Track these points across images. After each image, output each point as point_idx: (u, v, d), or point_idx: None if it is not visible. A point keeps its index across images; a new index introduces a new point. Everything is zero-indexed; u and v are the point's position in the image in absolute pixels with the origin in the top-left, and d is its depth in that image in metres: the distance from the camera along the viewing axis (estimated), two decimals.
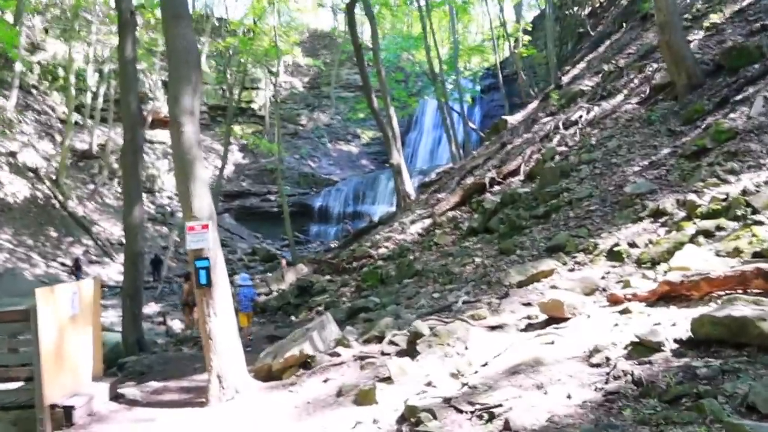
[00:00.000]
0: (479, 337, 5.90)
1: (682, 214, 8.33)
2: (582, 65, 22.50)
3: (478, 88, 46.49)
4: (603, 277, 7.51)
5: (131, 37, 13.23)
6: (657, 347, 4.35)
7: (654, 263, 7.28)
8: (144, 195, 37.43)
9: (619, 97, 14.61)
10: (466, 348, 5.74)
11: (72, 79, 33.55)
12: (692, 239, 7.27)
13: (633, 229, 8.70)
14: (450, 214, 14.23)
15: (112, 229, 31.92)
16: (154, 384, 7.84)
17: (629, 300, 5.97)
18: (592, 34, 36.28)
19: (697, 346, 4.27)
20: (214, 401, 6.46)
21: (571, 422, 3.64)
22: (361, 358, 6.65)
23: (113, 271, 28.29)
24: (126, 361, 10.38)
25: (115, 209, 33.81)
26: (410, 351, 6.27)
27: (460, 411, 4.10)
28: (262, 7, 34.16)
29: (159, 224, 36.62)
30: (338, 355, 6.99)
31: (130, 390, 7.48)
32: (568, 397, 3.97)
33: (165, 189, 40.06)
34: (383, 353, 6.68)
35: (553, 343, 5.10)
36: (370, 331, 7.56)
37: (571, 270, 8.35)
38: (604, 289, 6.98)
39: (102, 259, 30.22)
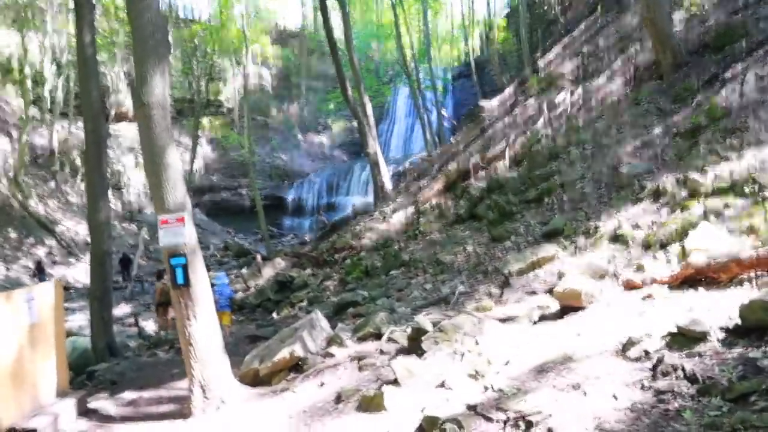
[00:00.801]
0: (490, 332, 5.39)
1: (684, 193, 7.94)
2: (557, 50, 22.12)
3: (449, 76, 46.06)
4: (609, 262, 7.08)
5: (89, 19, 12.32)
6: (701, 337, 3.88)
7: (663, 245, 6.86)
8: (110, 192, 36.16)
9: (602, 79, 14.24)
10: (477, 344, 5.22)
11: (27, 70, 32.05)
12: (701, 219, 6.87)
13: (633, 210, 8.30)
14: (434, 201, 13.72)
15: (77, 228, 30.67)
16: (129, 395, 7.14)
17: (648, 285, 5.53)
18: (562, 21, 36.24)
19: (748, 334, 3.82)
20: (197, 413, 5.82)
21: (625, 429, 3.14)
22: (359, 358, 6.08)
23: (80, 272, 27.11)
24: (96, 369, 9.63)
25: (79, 207, 32.53)
26: (414, 349, 5.73)
27: (490, 419, 3.57)
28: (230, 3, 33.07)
29: (127, 222, 35.45)
30: (332, 355, 6.41)
31: (101, 403, 6.78)
32: (614, 398, 3.48)
33: (132, 185, 38.79)
34: (382, 352, 6.13)
35: (579, 335, 4.61)
36: (364, 328, 7.00)
37: (573, 255, 7.90)
38: (614, 275, 6.54)
39: (67, 260, 29.04)
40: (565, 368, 4.07)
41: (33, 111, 35.64)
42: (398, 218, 14.21)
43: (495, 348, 4.83)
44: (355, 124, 50.30)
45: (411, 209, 14.31)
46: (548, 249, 8.06)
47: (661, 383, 3.46)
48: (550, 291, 6.78)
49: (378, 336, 6.71)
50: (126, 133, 41.72)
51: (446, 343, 5.48)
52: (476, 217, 11.74)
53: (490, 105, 22.71)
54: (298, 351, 6.38)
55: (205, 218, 41.03)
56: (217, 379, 5.95)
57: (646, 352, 3.95)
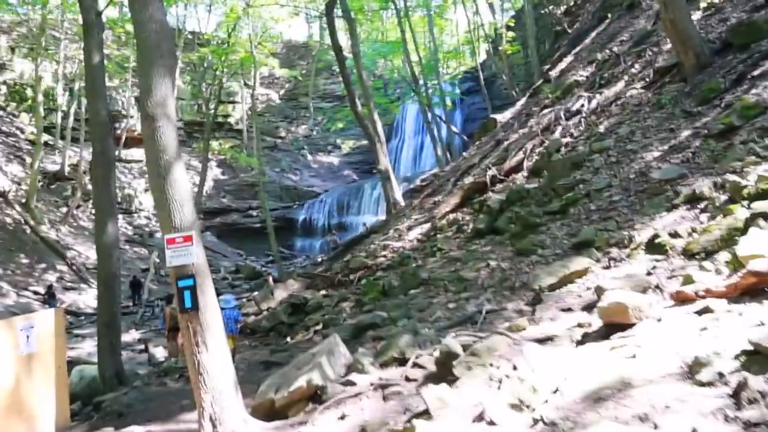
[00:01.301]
0: (529, 354, 4.87)
1: (724, 197, 7.42)
2: (569, 59, 21.76)
3: (457, 91, 45.73)
4: (649, 273, 6.55)
5: (97, 39, 12.09)
6: None
7: (709, 253, 6.34)
8: (121, 216, 36.09)
9: (621, 84, 13.79)
10: (515, 368, 4.70)
11: (40, 97, 32.08)
12: (749, 223, 6.34)
13: (669, 217, 7.78)
14: (450, 216, 13.24)
15: (88, 253, 30.38)
16: (136, 429, 6.66)
17: (702, 297, 5.00)
18: (569, 31, 35.96)
19: None
20: None
21: None
22: (383, 386, 5.57)
23: (91, 298, 26.70)
24: (103, 400, 9.15)
25: (90, 232, 32.28)
26: (443, 375, 5.21)
27: None
28: (236, 16, 33.03)
29: (138, 246, 35.17)
30: (353, 383, 5.91)
31: None
32: None
33: (143, 209, 38.60)
34: (408, 379, 5.62)
35: (634, 356, 4.09)
36: (386, 352, 6.49)
37: (607, 267, 7.39)
38: (657, 287, 6.01)
39: (79, 285, 28.74)
40: (624, 396, 3.55)
41: (46, 137, 35.70)
42: (414, 235, 13.73)
43: (538, 373, 4.32)
44: (364, 142, 50.18)
45: (427, 225, 13.84)
46: (580, 261, 7.54)
47: (750, 413, 2.94)
48: (588, 307, 6.27)
49: (402, 361, 6.20)
50: (138, 157, 41.69)
51: (480, 368, 4.97)
52: (497, 231, 11.24)
53: (503, 117, 22.33)
54: (317, 379, 5.88)
55: (215, 240, 40.71)
56: (229, 412, 5.46)
57: (720, 375, 3.43)
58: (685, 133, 9.84)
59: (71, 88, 36.62)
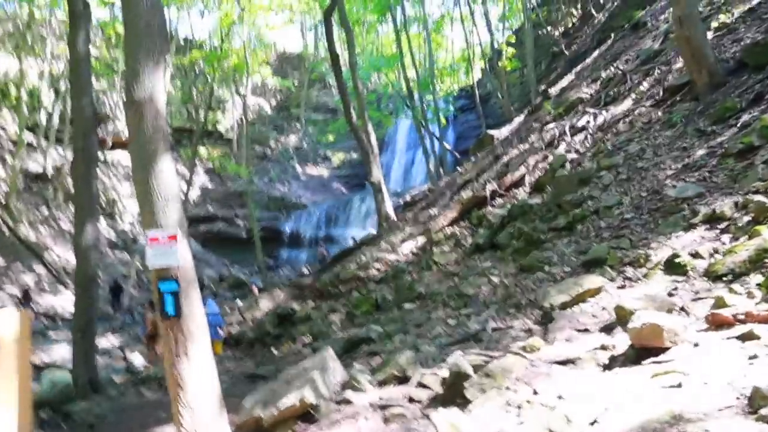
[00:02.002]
0: (551, 378, 4.36)
1: (747, 218, 6.99)
2: (570, 77, 21.52)
3: (451, 108, 45.50)
4: (671, 294, 6.09)
5: (84, 31, 11.56)
6: None
7: (737, 275, 5.89)
8: (104, 219, 35.24)
9: (628, 102, 13.45)
10: (536, 393, 4.19)
11: (23, 95, 31.31)
12: None
13: (687, 237, 7.34)
14: (448, 230, 12.76)
15: (68, 256, 29.47)
16: None
17: (742, 321, 4.53)
18: (567, 53, 35.93)
19: None
20: None
21: None
22: (383, 407, 5.03)
23: (68, 301, 25.80)
24: (74, 410, 8.51)
25: (71, 235, 31.39)
26: (452, 397, 4.69)
27: None
28: (231, 21, 32.58)
29: (120, 250, 34.30)
30: (349, 402, 5.36)
31: None
32: None
33: (126, 213, 37.76)
34: (412, 400, 5.08)
35: (679, 386, 3.59)
36: (384, 369, 5.95)
37: (622, 287, 6.91)
38: (683, 309, 5.54)
39: (56, 288, 27.86)
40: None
41: (29, 137, 34.87)
42: (409, 248, 13.22)
43: (567, 400, 3.80)
44: (354, 156, 49.81)
45: (422, 239, 13.34)
46: (592, 280, 7.06)
47: None
48: (607, 328, 5.78)
49: (403, 380, 5.66)
50: (122, 160, 40.92)
51: (495, 390, 4.45)
52: (497, 246, 10.77)
53: (500, 134, 22.00)
54: (309, 397, 5.32)
55: (200, 249, 39.90)
56: (210, 430, 4.87)
57: None
58: (700, 152, 9.45)
59: (56, 87, 35.85)
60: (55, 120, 34.96)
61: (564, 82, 21.57)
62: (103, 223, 34.23)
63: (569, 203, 10.15)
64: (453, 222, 12.97)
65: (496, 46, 38.57)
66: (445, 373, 5.05)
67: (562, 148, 12.93)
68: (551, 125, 14.87)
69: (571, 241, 9.04)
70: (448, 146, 40.67)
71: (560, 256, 8.66)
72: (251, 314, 15.17)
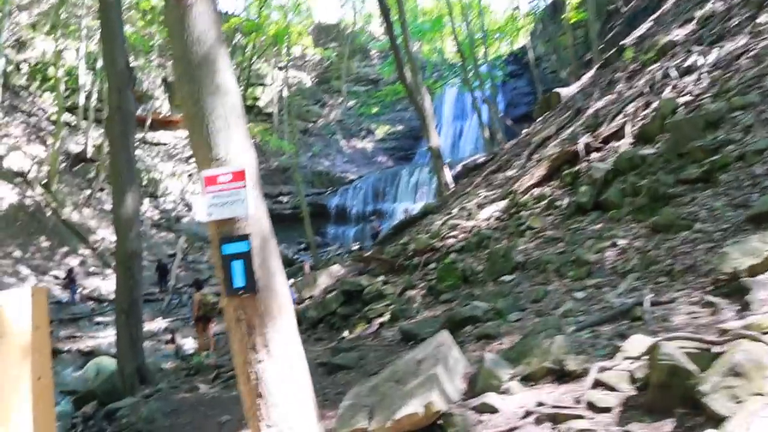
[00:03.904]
0: None
1: None
2: (647, 25, 19.30)
3: (499, 73, 43.18)
4: None
5: None
6: None
7: None
8: (147, 200, 34.44)
9: (742, 37, 11.38)
10: None
11: (60, 73, 30.46)
12: None
13: None
14: (535, 191, 11.02)
15: (112, 237, 28.63)
16: None
17: None
18: (624, 11, 33.34)
19: None
20: None
21: None
22: (552, 418, 3.42)
23: (114, 284, 25.11)
24: (118, 408, 7.18)
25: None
26: (666, 404, 3.05)
27: None
28: None
29: (164, 230, 33.49)
30: (493, 409, 3.76)
31: None
32: None
33: (169, 193, 36.97)
34: (593, 407, 3.45)
35: None
36: (527, 359, 4.33)
37: None
38: None
39: (102, 271, 27.13)
40: None
41: (69, 118, 34.24)
42: (488, 213, 11.54)
43: None
44: (399, 128, 48.02)
45: (503, 203, 11.63)
46: None
47: None
48: None
49: (561, 374, 4.03)
50: (164, 140, 40.13)
51: (759, 398, 2.78)
52: (604, 206, 9.01)
53: (568, 91, 20.00)
54: (438, 402, 3.73)
55: None
56: None
57: None
58: None
59: (94, 67, 35.00)
60: (93, 100, 34.17)
61: (640, 31, 19.35)
62: (146, 203, 33.45)
63: (699, 150, 8.28)
64: (540, 182, 11.21)
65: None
66: (654, 370, 3.41)
67: (667, 92, 10.98)
68: (647, 70, 12.88)
69: (718, 193, 7.20)
70: (494, 113, 38.62)
71: (709, 211, 6.85)
72: (309, 292, 13.78)
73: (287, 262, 30.22)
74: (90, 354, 16.97)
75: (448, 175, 20.06)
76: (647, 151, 9.44)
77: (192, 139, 3.57)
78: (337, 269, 14.54)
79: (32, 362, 3.35)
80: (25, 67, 35.33)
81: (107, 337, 18.45)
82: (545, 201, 10.40)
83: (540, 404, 3.66)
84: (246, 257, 3.34)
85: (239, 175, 3.38)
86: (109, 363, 12.21)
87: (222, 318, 14.91)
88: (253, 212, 3.41)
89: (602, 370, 3.72)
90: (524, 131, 19.91)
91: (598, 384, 3.67)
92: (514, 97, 44.82)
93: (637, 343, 3.97)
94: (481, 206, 12.27)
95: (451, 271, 9.10)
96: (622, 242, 7.23)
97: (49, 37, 35.60)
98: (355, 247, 31.85)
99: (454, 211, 13.23)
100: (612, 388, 3.58)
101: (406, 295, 9.51)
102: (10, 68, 33.25)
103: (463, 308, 6.62)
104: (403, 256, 11.61)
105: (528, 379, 4.17)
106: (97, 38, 35.35)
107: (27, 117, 33.25)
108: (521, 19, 43.38)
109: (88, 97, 34.22)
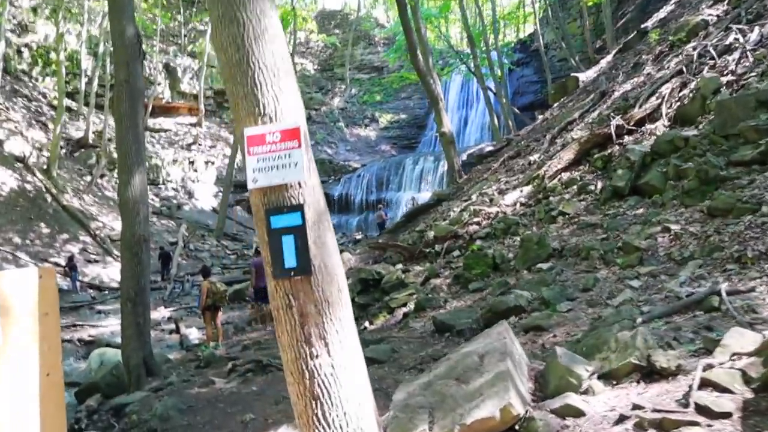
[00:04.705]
0: None
1: None
2: (669, 7, 18.69)
3: (505, 61, 42.44)
4: None
5: None
6: None
7: None
8: (148, 187, 33.87)
9: None
10: None
11: (62, 57, 29.75)
12: None
13: None
14: (564, 176, 10.46)
15: (113, 224, 28.15)
16: None
17: None
18: None
19: None
20: None
21: None
22: (658, 424, 2.88)
23: (115, 271, 24.47)
24: (127, 403, 6.64)
25: (116, 202, 30.08)
26: None
27: None
28: None
29: (165, 218, 32.89)
30: (578, 412, 3.23)
31: None
32: None
33: (170, 180, 36.37)
34: (703, 410, 2.91)
35: None
36: (601, 353, 3.79)
37: None
38: None
39: (104, 258, 26.51)
40: None
41: (70, 103, 33.59)
42: (512, 199, 10.99)
43: None
44: (402, 116, 47.34)
45: (528, 188, 11.08)
46: None
47: None
48: None
49: (649, 372, 3.50)
50: (166, 126, 39.50)
51: None
52: (643, 191, 8.49)
53: (586, 76, 19.41)
54: (517, 405, 3.19)
55: (247, 216, 38.35)
56: None
57: None
58: None
59: (96, 51, 34.27)
60: (95, 85, 33.47)
61: (663, 14, 18.74)
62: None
63: (752, 130, 7.73)
64: (568, 166, 10.65)
65: None
66: (739, 363, 2.88)
67: (705, 72, 10.41)
68: (679, 51, 12.29)
69: None
70: (505, 101, 38.02)
71: None
72: None
73: None
74: (91, 344, 16.39)
75: (458, 160, 19.49)
76: (689, 132, 8.88)
77: (232, 92, 2.99)
78: (347, 257, 14.00)
79: (40, 355, 2.77)
80: (26, 52, 34.60)
81: (109, 326, 17.92)
82: (576, 186, 9.85)
83: (636, 407, 3.13)
84: (299, 232, 2.78)
85: (292, 134, 2.82)
86: (113, 354, 11.67)
87: (229, 307, 14.27)
88: (308, 180, 2.86)
89: (707, 367, 3.18)
90: (540, 117, 19.33)
91: (704, 384, 3.13)
92: (521, 85, 44.10)
93: (740, 337, 3.44)
94: (503, 192, 11.73)
95: (480, 259, 8.56)
96: (674, 227, 6.69)
97: (50, 21, 34.87)
98: (359, 236, 31.33)
99: (474, 197, 12.68)
100: (724, 389, 3.04)
101: (431, 283, 8.97)
102: (11, 52, 32.56)
103: (506, 297, 6.08)
104: (421, 244, 11.07)
105: (609, 377, 3.64)
106: (99, 22, 34.86)
107: (28, 102, 32.57)
108: (528, 6, 42.65)
109: (89, 82, 33.54)
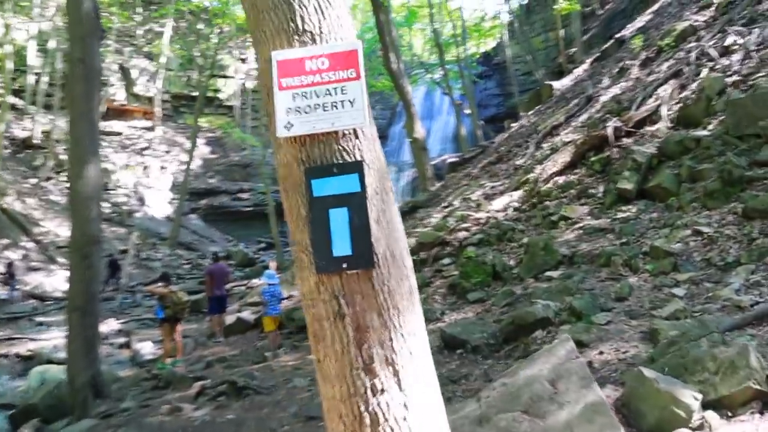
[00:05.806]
0: None
1: None
2: (646, 17, 18.56)
3: (465, 73, 42.28)
4: None
5: None
6: None
7: None
8: None
9: None
10: None
11: (8, 49, 27.88)
12: None
13: None
14: (559, 179, 9.81)
15: (59, 230, 26.33)
16: None
17: None
18: (600, 13, 33.03)
19: None
20: None
21: None
22: None
23: (59, 281, 22.75)
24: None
25: (62, 207, 28.23)
26: None
27: None
28: None
29: (115, 225, 31.11)
30: None
31: None
32: None
33: (121, 186, 34.55)
34: None
35: None
36: (690, 377, 3.01)
37: None
38: None
39: (47, 266, 24.69)
40: None
41: (16, 101, 31.59)
42: (501, 204, 10.30)
43: None
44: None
45: (518, 193, 10.40)
46: None
47: None
48: None
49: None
50: (118, 128, 37.71)
51: None
52: (652, 193, 7.90)
53: (561, 84, 19.07)
54: None
55: (202, 224, 36.78)
56: None
57: None
58: None
59: (45, 49, 32.39)
60: (43, 82, 31.60)
61: (639, 23, 18.57)
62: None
63: None
64: (563, 170, 10.01)
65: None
66: None
67: (705, 73, 9.97)
68: (668, 56, 11.90)
69: None
70: (468, 111, 37.68)
71: None
72: (290, 289, 12.27)
73: (247, 262, 28.53)
74: (31, 359, 14.86)
75: (429, 169, 18.80)
76: (700, 133, 8.33)
77: (254, 1, 2.08)
78: None
79: None
80: None
81: (51, 339, 16.36)
82: (574, 189, 9.20)
83: None
84: (356, 204, 1.88)
85: (347, 59, 1.93)
86: (56, 371, 10.39)
87: (186, 319, 13.03)
88: (369, 126, 1.97)
89: None
90: (514, 125, 18.82)
91: None
92: (484, 98, 44.05)
93: None
94: (490, 197, 11.01)
95: (478, 267, 7.75)
96: (706, 230, 6.02)
97: None
98: None
99: (456, 203, 11.93)
100: None
101: (424, 292, 8.11)
102: None
103: (532, 308, 5.26)
104: (412, 251, 10.21)
105: (719, 407, 2.84)
106: (50, 16, 32.99)
107: None
108: (491, 21, 42.62)
109: (37, 81, 31.62)
